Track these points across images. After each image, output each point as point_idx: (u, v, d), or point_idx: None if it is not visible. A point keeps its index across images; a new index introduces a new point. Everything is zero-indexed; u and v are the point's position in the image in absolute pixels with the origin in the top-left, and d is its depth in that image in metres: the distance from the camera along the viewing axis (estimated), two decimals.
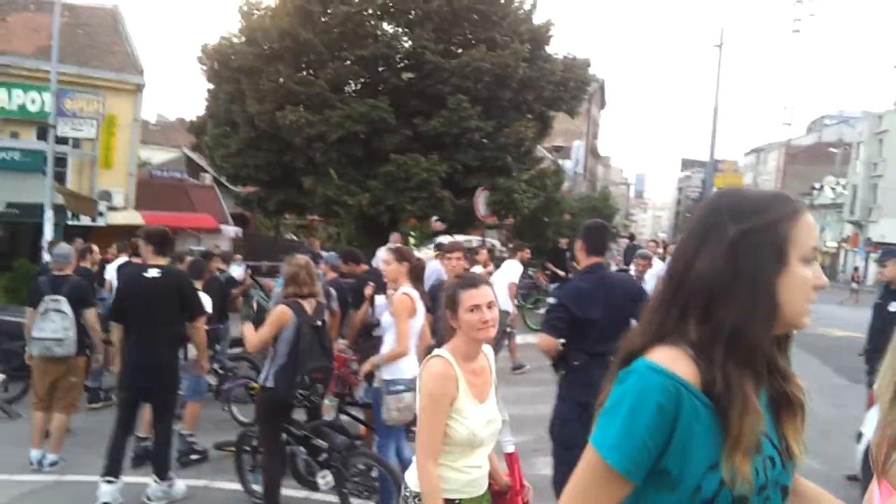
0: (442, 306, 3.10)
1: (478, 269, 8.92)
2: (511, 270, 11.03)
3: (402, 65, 19.95)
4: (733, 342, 1.33)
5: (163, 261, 5.89)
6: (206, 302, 6.96)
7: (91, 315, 6.69)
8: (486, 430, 3.01)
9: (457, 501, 2.98)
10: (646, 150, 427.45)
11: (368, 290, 7.17)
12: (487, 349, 3.20)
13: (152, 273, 5.72)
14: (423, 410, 2.91)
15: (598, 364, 4.06)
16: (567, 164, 40.01)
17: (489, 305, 3.01)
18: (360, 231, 23.57)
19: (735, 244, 1.35)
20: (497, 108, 19.84)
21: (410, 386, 5.30)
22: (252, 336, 5.31)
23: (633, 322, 4.33)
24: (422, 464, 2.87)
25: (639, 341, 1.40)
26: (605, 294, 4.60)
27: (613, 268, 11.83)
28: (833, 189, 60.06)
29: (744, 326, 1.32)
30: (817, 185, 62.62)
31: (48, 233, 14.43)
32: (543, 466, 6.05)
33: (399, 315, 5.34)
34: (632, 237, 23.29)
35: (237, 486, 6.01)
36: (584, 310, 4.52)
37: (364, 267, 8.64)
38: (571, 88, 21.67)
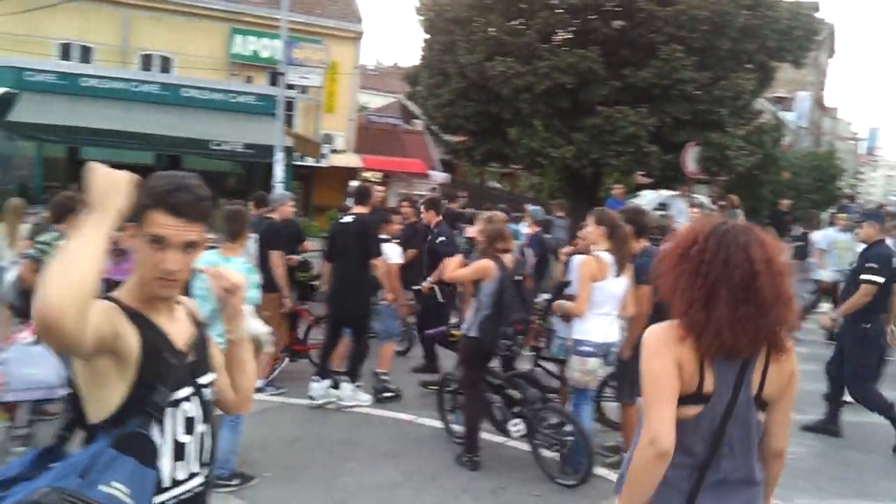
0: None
1: None
2: None
3: (613, 13, 19.40)
4: None
5: (363, 210, 6.96)
6: (395, 250, 7.42)
7: (274, 256, 7.25)
8: None
9: None
10: (880, 102, 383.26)
11: (565, 251, 7.29)
12: None
13: (347, 219, 6.95)
14: None
15: None
16: (789, 117, 37.20)
17: None
18: (562, 183, 23.61)
19: None
20: (713, 59, 18.83)
21: (598, 351, 5.42)
22: (456, 268, 5.71)
23: None
24: None
25: None
26: None
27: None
28: None
29: None
30: None
31: (278, 173, 15.82)
32: None
33: (582, 277, 5.35)
34: (851, 199, 21.35)
35: (440, 424, 6.50)
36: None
37: None
38: (798, 37, 20.03)
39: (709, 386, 2.18)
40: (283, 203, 7.79)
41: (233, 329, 2.16)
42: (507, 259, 5.67)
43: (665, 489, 2.18)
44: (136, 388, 1.82)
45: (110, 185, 1.74)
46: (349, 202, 7.25)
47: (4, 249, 6.66)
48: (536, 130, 18.87)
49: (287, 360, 8.12)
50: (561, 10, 19.39)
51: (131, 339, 1.82)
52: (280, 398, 7.23)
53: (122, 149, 16.17)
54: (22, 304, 6.21)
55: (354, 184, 7.93)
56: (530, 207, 10.09)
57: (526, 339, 5.77)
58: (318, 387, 7.00)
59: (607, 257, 5.41)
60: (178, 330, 1.99)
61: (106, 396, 1.82)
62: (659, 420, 2.12)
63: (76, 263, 1.59)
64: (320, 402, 6.96)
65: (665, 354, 2.18)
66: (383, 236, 7.35)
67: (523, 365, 6.84)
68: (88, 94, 16.39)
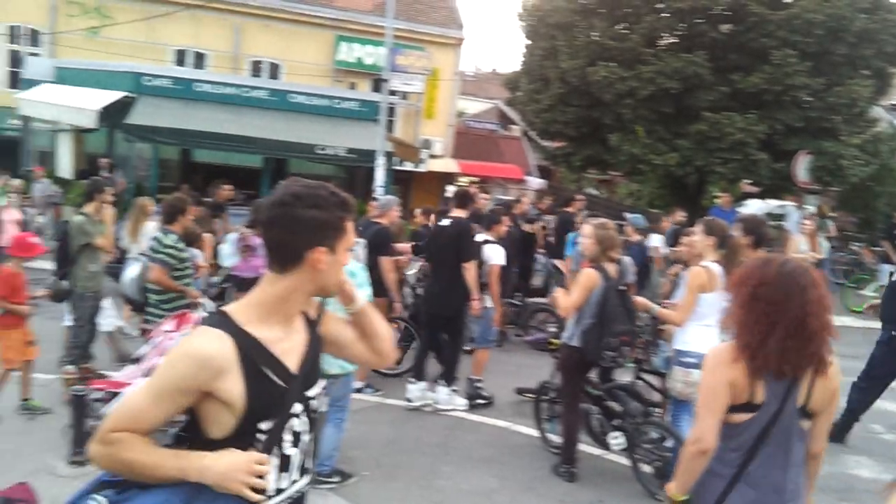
0: None
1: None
2: None
3: (721, 17, 18.82)
4: None
5: (461, 214, 6.94)
6: (499, 252, 7.34)
7: (384, 261, 7.37)
8: None
9: None
10: None
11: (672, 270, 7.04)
12: None
13: (445, 222, 6.96)
14: None
15: None
16: None
17: None
18: (663, 191, 23.05)
19: None
20: (828, 64, 17.97)
21: (701, 362, 5.26)
22: (564, 301, 5.54)
23: None
24: None
25: None
26: None
27: None
28: None
29: None
30: None
31: (379, 177, 16.10)
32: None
33: (690, 287, 5.23)
34: None
35: (535, 432, 6.44)
36: None
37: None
38: None
39: (759, 398, 2.60)
40: (390, 208, 7.88)
41: (351, 306, 2.18)
42: (612, 268, 5.55)
43: (710, 477, 2.67)
44: (244, 420, 1.84)
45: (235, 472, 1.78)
46: (447, 205, 7.28)
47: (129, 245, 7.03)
48: (639, 136, 18.52)
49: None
50: (667, 15, 18.98)
51: (231, 389, 1.81)
52: (377, 398, 7.32)
53: (232, 152, 16.83)
54: (141, 299, 6.55)
55: (452, 188, 7.98)
56: (630, 215, 9.88)
57: (630, 352, 5.60)
58: (415, 388, 7.07)
59: (717, 268, 5.28)
60: (293, 345, 1.98)
61: (219, 421, 1.85)
62: (705, 425, 2.61)
63: (136, 469, 1.82)
64: (417, 404, 7.02)
65: (719, 372, 2.64)
66: (489, 238, 7.34)
67: (625, 377, 6.69)
68: (201, 98, 17.07)
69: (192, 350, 1.81)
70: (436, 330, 7.17)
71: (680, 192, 20.85)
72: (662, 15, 18.97)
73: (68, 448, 5.19)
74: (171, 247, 6.17)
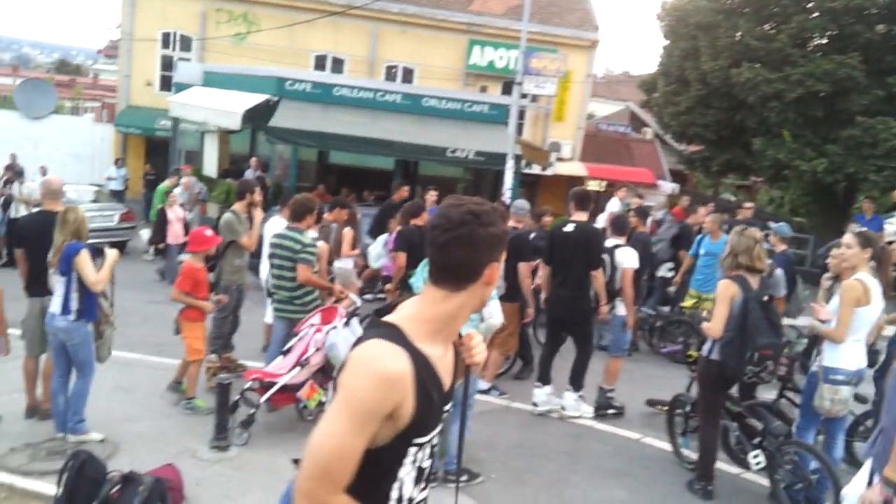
0: None
1: None
2: None
3: (877, 16, 17.56)
4: None
5: (583, 216, 6.78)
6: (632, 256, 7.08)
7: (522, 267, 7.23)
8: None
9: None
10: None
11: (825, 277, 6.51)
12: None
13: (568, 228, 6.72)
14: None
15: None
16: None
17: None
18: (807, 198, 21.79)
19: None
20: None
21: (851, 380, 5.11)
22: (708, 326, 5.27)
23: None
24: None
25: None
26: None
27: None
28: None
29: None
30: None
31: (508, 180, 16.05)
32: None
33: (844, 301, 5.00)
34: None
35: (667, 445, 6.19)
36: None
37: None
38: None
39: None
40: (526, 213, 7.79)
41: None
42: (753, 279, 5.24)
43: None
44: (403, 436, 1.81)
45: None
46: (568, 208, 7.07)
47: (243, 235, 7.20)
48: (784, 141, 17.57)
49: (514, 364, 8.20)
50: (817, 15, 17.91)
51: (406, 408, 1.77)
52: (503, 401, 7.27)
53: (366, 154, 17.23)
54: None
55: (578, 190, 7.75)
56: (774, 224, 9.33)
57: (774, 367, 5.27)
58: (541, 393, 6.96)
59: (872, 281, 5.05)
60: (446, 362, 1.96)
61: (380, 435, 1.78)
62: None
63: None
64: (543, 409, 6.91)
65: None
66: (619, 241, 7.12)
67: (768, 394, 6.34)
68: (339, 102, 17.55)
69: (384, 371, 1.72)
70: (559, 335, 7.02)
71: (826, 199, 19.66)
72: (813, 15, 17.91)
73: (212, 433, 5.43)
74: (312, 245, 6.37)
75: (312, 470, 1.71)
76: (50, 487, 4.02)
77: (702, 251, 9.47)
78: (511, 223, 7.46)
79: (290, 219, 6.58)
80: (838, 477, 4.90)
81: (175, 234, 12.81)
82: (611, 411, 7.09)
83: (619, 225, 7.44)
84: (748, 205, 12.49)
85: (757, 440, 5.44)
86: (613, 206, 13.25)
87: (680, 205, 14.41)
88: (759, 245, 5.32)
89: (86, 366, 5.39)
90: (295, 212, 6.54)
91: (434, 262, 1.91)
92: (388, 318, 1.88)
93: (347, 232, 9.17)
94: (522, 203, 8.08)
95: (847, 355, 5.07)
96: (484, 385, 7.34)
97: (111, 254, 5.48)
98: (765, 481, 5.49)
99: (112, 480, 3.93)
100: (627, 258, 7.00)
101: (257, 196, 7.51)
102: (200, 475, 5.02)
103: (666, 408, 6.45)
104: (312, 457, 1.71)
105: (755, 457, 5.37)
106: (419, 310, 1.90)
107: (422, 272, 5.03)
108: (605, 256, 6.85)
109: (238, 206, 7.30)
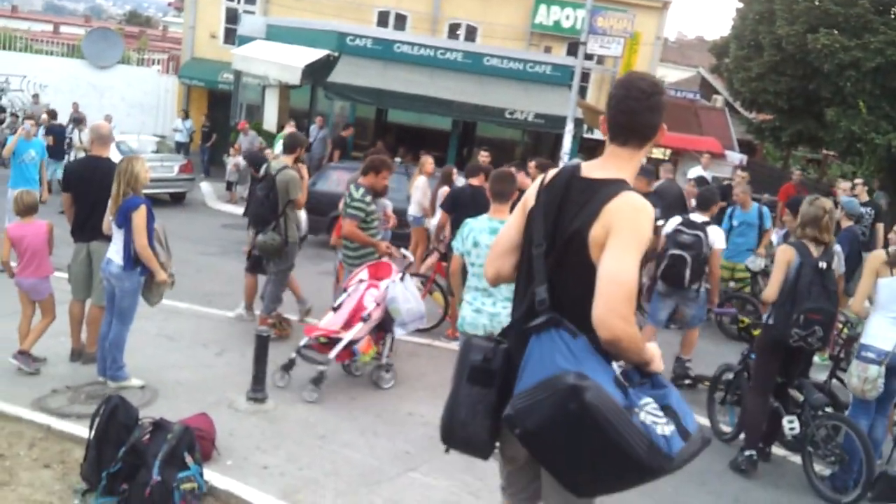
0: None
1: None
2: None
3: None
4: None
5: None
6: (721, 236, 6.91)
7: None
8: None
9: None
10: None
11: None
12: None
13: None
14: None
15: None
16: None
17: None
18: (882, 174, 20.81)
19: None
20: None
21: (883, 359, 5.00)
22: (769, 288, 5.18)
23: None
24: None
25: None
26: None
27: None
28: None
29: None
30: None
31: (567, 144, 15.71)
32: None
33: (864, 271, 5.18)
34: None
35: (706, 422, 5.98)
36: None
37: None
38: None
39: None
40: None
41: None
42: (815, 248, 5.06)
43: None
44: None
45: None
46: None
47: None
48: (860, 112, 16.74)
49: None
50: None
51: None
52: None
53: (425, 113, 17.07)
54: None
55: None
56: (845, 199, 8.90)
57: (825, 338, 5.06)
58: None
59: None
60: None
61: None
62: None
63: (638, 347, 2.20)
64: None
65: None
66: (705, 219, 6.85)
67: (821, 375, 6.08)
68: (399, 59, 17.41)
69: (652, 212, 2.26)
70: None
71: None
72: None
73: (250, 384, 5.45)
74: (360, 200, 6.31)
75: (624, 295, 2.10)
76: (85, 430, 4.07)
77: (735, 222, 9.16)
78: None
79: (361, 174, 6.60)
80: (872, 452, 4.86)
81: None
82: (686, 381, 6.97)
83: (705, 200, 7.13)
84: (845, 185, 11.22)
85: (795, 411, 5.33)
86: (696, 173, 12.74)
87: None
88: (829, 216, 5.14)
89: (126, 314, 5.45)
90: (363, 169, 6.59)
91: (624, 125, 2.36)
92: (610, 176, 2.31)
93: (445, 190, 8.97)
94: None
95: (879, 332, 5.03)
96: None
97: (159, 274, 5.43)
98: (797, 459, 5.40)
99: (142, 426, 3.96)
100: (718, 238, 6.81)
101: (303, 151, 7.46)
102: (235, 426, 5.06)
103: (708, 382, 6.29)
104: (621, 286, 2.10)
105: (790, 422, 5.24)
106: (620, 167, 2.36)
107: (461, 234, 4.92)
108: (699, 233, 6.62)
109: (287, 160, 7.21)
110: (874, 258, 5.09)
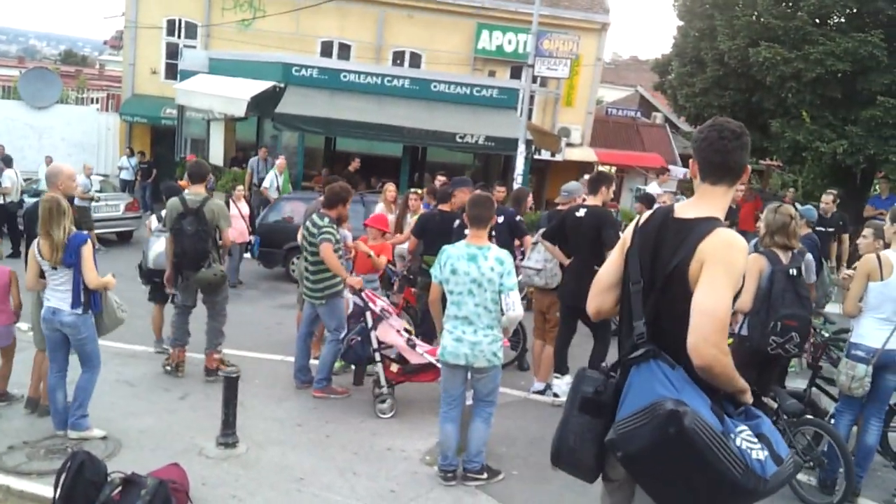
0: None
1: None
2: None
3: None
4: None
5: (596, 201, 6.52)
6: None
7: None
8: None
9: None
10: None
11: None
12: None
13: (580, 213, 6.49)
14: None
15: None
16: None
17: None
18: (825, 181, 21.35)
19: None
20: None
21: (869, 358, 5.06)
22: (742, 297, 5.07)
23: None
24: None
25: None
26: None
27: None
28: None
29: None
30: None
31: (519, 165, 15.72)
32: None
33: (856, 274, 5.19)
34: None
35: None
36: None
37: None
38: None
39: None
40: (576, 195, 7.34)
41: None
42: (783, 254, 5.08)
43: None
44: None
45: None
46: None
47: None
48: (803, 122, 17.13)
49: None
50: None
51: None
52: (521, 393, 6.99)
53: (375, 140, 16.92)
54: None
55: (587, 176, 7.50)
56: (801, 207, 9.00)
57: (801, 344, 5.03)
58: (561, 383, 6.68)
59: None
60: None
61: None
62: None
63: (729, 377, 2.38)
64: (564, 399, 6.61)
65: None
66: None
67: (798, 382, 6.05)
68: (346, 88, 17.26)
69: (746, 247, 2.39)
70: (573, 323, 6.69)
71: (843, 182, 19.21)
72: None
73: (219, 429, 5.15)
74: (329, 226, 6.28)
75: (715, 325, 2.24)
76: (47, 489, 3.76)
77: None
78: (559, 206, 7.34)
79: (324, 205, 6.55)
80: (850, 457, 4.88)
81: (240, 232, 10.95)
82: None
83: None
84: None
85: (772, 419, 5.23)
86: (654, 190, 12.97)
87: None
88: (794, 222, 5.21)
89: (93, 358, 5.13)
90: (328, 199, 6.53)
91: (719, 165, 2.50)
92: (703, 214, 2.45)
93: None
94: (575, 185, 7.57)
95: (868, 332, 5.10)
96: (539, 385, 7.05)
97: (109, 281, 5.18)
98: None
99: (112, 483, 3.66)
100: None
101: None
102: (207, 474, 4.76)
103: None
104: (712, 316, 2.25)
105: None
106: (712, 206, 2.50)
107: (439, 261, 4.76)
108: None
109: (199, 190, 6.81)
110: (864, 262, 5.17)
